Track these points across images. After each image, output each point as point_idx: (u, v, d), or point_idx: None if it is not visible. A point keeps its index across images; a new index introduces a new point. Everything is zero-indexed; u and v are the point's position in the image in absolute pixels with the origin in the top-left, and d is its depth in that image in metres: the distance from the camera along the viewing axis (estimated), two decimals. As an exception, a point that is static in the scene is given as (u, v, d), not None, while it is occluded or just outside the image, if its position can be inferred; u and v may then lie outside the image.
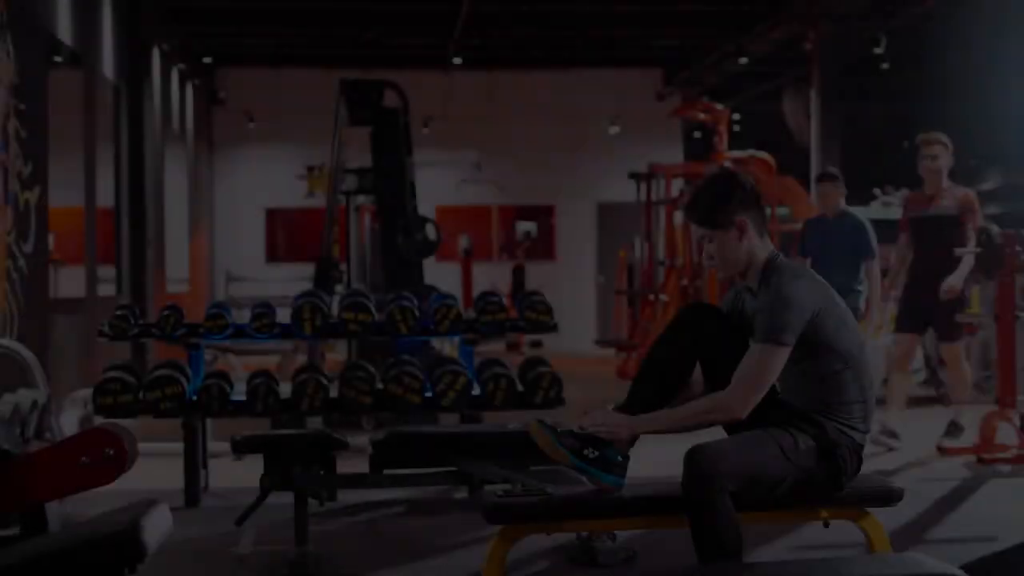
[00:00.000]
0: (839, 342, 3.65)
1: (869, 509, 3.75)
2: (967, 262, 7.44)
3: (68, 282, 10.43)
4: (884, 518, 3.82)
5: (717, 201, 3.74)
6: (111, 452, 2.87)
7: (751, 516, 3.66)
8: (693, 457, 3.50)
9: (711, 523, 3.46)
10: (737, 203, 3.73)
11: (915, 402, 10.45)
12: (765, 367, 3.58)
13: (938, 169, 7.54)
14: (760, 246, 3.76)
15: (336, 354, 14.85)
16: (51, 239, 10.18)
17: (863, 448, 3.71)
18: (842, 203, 7.87)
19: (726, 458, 3.51)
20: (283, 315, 6.48)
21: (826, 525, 3.82)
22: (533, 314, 6.34)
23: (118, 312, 6.16)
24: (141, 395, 5.96)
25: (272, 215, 20.16)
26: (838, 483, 3.65)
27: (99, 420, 6.45)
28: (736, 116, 19.99)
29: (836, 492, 3.67)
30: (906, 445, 7.76)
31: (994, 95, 18.99)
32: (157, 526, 2.28)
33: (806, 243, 7.94)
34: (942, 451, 7.52)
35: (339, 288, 9.66)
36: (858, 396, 3.68)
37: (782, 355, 3.58)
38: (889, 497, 3.71)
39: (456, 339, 7.01)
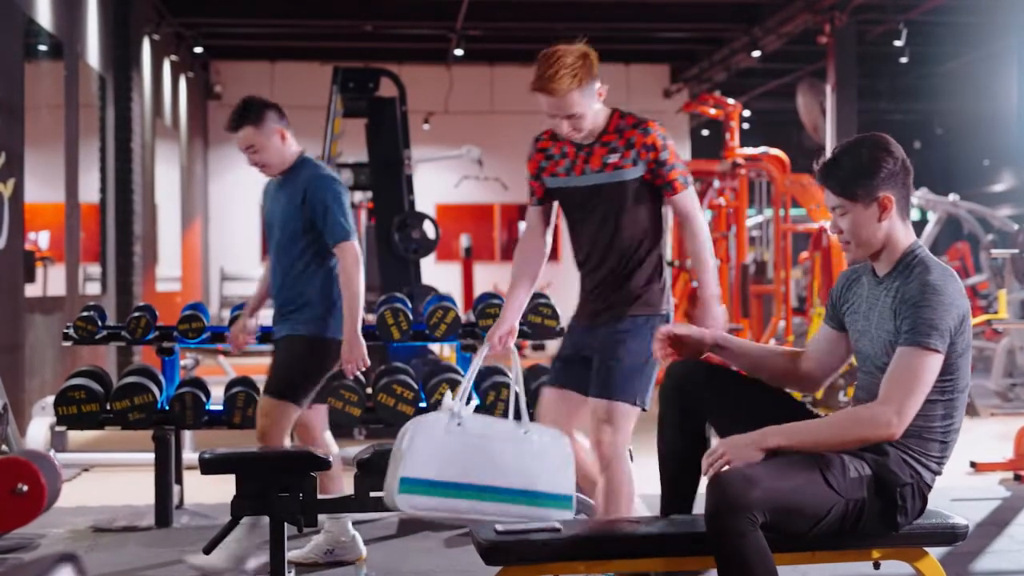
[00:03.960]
0: (952, 371, 3.10)
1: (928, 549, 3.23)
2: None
3: (59, 280, 9.98)
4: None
5: (863, 170, 3.15)
6: (24, 488, 2.34)
7: (787, 556, 3.14)
8: (718, 484, 2.97)
9: (739, 563, 2.94)
10: (885, 176, 3.16)
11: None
12: (918, 376, 3.02)
13: (590, 93, 4.07)
14: (902, 230, 3.19)
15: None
16: (47, 236, 9.72)
17: (931, 489, 3.16)
18: None
19: (757, 485, 2.95)
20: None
21: (876, 566, 3.30)
22: (538, 318, 5.82)
23: (84, 313, 5.64)
24: (108, 404, 5.45)
25: (268, 212, 19.68)
26: (891, 524, 3.12)
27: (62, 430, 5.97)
28: (745, 114, 19.53)
29: (889, 532, 3.14)
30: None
31: (1009, 94, 18.54)
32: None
33: None
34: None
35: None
36: (940, 434, 3.14)
37: (934, 363, 3.03)
38: (953, 536, 3.18)
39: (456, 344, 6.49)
